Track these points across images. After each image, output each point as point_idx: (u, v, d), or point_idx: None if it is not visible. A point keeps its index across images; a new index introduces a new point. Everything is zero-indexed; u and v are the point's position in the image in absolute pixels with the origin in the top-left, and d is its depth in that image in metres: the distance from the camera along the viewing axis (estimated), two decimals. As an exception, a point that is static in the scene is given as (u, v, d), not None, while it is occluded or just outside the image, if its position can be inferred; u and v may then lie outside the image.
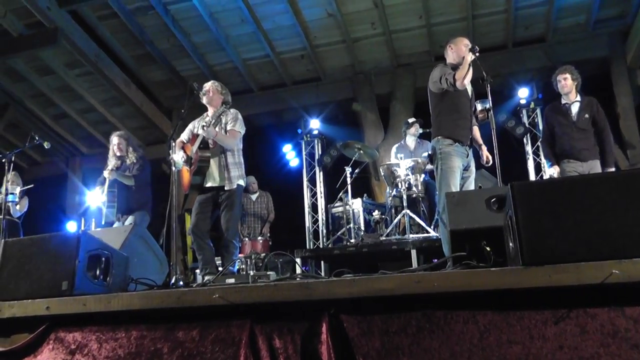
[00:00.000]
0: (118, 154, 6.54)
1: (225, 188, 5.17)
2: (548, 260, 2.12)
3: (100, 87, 11.00)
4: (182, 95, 10.65)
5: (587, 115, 5.95)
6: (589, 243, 2.11)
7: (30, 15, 8.76)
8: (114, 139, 6.58)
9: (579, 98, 6.03)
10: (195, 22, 9.32)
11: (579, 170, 5.87)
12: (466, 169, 4.91)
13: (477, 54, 4.67)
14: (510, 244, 2.48)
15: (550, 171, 6.11)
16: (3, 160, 6.70)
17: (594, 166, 5.89)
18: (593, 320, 2.02)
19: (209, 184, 5.24)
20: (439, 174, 4.80)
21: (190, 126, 5.56)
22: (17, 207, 7.29)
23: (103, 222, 6.41)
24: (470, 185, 4.93)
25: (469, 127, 4.91)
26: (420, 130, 7.81)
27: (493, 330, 2.13)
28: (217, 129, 5.17)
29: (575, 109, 6.01)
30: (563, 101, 6.10)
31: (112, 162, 6.53)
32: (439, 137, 4.85)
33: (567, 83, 5.99)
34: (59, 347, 2.88)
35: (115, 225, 6.24)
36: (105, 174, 6.34)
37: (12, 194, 7.04)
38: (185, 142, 5.42)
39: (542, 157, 8.59)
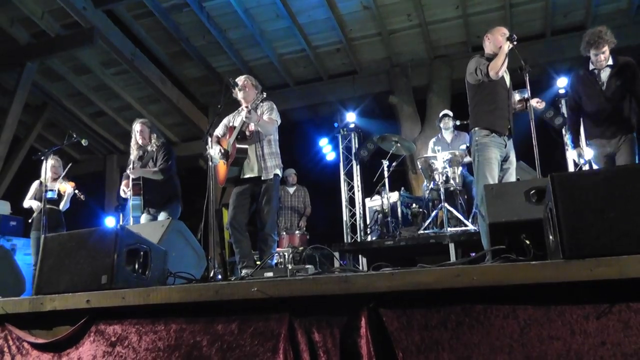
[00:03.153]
0: (140, 142, 6.29)
1: (263, 178, 5.18)
2: (589, 254, 2.08)
3: (136, 85, 11.19)
4: (218, 92, 10.75)
5: (618, 83, 5.09)
6: (632, 235, 2.07)
7: (66, 15, 8.96)
8: (137, 126, 6.31)
9: (611, 62, 5.15)
10: (230, 18, 9.38)
11: (608, 151, 5.20)
12: (505, 160, 4.84)
13: (515, 43, 4.60)
14: (551, 237, 2.44)
15: (572, 154, 5.51)
16: (42, 158, 6.84)
17: (626, 140, 5.11)
18: (636, 315, 1.98)
19: (246, 175, 5.26)
20: (476, 166, 4.75)
21: (224, 120, 5.59)
22: (61, 205, 7.47)
23: (131, 216, 6.36)
24: (511, 177, 4.86)
25: (506, 118, 4.82)
26: (457, 122, 7.75)
27: (533, 325, 2.10)
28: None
29: (605, 75, 5.16)
30: (591, 67, 5.23)
31: (134, 153, 6.34)
32: (476, 129, 4.80)
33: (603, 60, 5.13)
34: (100, 339, 2.94)
35: (142, 218, 6.14)
36: (128, 171, 6.16)
37: (51, 190, 7.19)
38: (220, 136, 5.46)
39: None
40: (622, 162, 5.08)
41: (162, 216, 6.09)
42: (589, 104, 5.30)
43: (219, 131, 5.52)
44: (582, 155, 5.41)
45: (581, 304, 2.08)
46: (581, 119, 5.44)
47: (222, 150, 5.23)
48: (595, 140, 5.30)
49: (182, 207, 6.39)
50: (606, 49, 5.06)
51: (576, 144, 5.47)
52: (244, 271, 4.81)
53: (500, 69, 4.58)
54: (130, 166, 6.28)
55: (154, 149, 6.27)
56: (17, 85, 9.66)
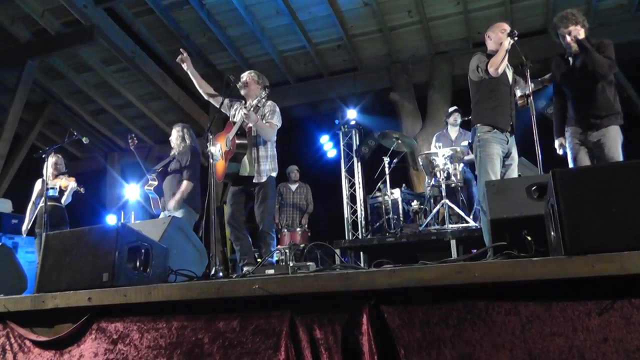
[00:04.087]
0: (173, 145, 6.58)
1: (254, 181, 5.17)
2: (591, 250, 2.08)
3: (137, 83, 11.18)
4: (219, 89, 10.72)
5: (591, 68, 4.56)
6: (634, 231, 2.06)
7: (67, 13, 8.95)
8: (172, 132, 6.64)
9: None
10: (230, 15, 9.37)
11: (585, 141, 4.79)
12: (507, 156, 4.83)
13: (516, 39, 4.59)
14: (552, 233, 2.44)
15: (556, 144, 5.12)
16: (43, 156, 6.84)
17: (607, 133, 4.66)
18: (638, 312, 1.98)
19: (242, 173, 5.24)
20: (478, 162, 4.75)
21: (233, 104, 5.57)
22: (62, 199, 7.48)
23: (153, 210, 6.49)
24: (513, 174, 4.85)
25: (508, 114, 4.82)
26: (460, 119, 7.74)
27: (535, 321, 2.10)
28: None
29: (579, 62, 4.71)
30: (566, 54, 4.87)
31: (171, 155, 6.61)
32: (478, 125, 4.80)
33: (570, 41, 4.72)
34: (102, 337, 2.94)
35: (161, 216, 6.25)
36: (148, 177, 6.41)
37: (52, 188, 7.20)
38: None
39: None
40: (600, 155, 4.71)
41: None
42: (568, 93, 4.93)
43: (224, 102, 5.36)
44: (563, 145, 5.05)
45: (583, 300, 2.07)
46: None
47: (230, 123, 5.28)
48: (571, 128, 4.90)
49: (197, 214, 6.37)
50: (572, 29, 4.68)
51: (558, 133, 5.05)
52: (245, 268, 4.81)
53: (499, 66, 4.57)
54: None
55: (176, 154, 6.48)
56: (18, 84, 9.66)
